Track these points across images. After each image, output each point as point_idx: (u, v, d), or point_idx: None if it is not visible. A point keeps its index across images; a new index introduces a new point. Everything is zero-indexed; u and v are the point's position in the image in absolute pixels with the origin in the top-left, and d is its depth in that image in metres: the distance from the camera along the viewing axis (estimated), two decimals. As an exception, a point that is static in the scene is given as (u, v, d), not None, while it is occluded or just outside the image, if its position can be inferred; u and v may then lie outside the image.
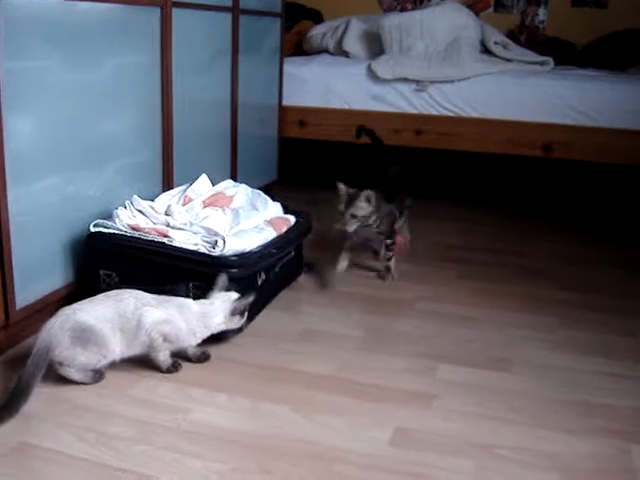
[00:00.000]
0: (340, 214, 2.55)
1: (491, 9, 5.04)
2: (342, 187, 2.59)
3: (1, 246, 1.94)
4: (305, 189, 4.13)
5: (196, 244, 2.16)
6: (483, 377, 2.00)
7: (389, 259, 2.77)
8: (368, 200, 2.55)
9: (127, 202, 2.35)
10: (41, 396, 1.81)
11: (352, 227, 2.55)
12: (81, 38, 2.19)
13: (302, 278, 2.70)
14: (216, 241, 2.14)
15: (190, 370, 1.99)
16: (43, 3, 2.02)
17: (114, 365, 1.95)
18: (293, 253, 2.55)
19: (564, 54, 4.37)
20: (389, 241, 2.75)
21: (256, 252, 2.22)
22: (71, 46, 2.15)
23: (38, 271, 2.12)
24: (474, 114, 3.69)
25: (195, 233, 2.22)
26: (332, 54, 4.34)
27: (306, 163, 4.62)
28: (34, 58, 2.01)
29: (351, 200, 2.55)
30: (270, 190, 2.74)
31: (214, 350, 2.09)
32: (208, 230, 2.22)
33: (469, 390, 1.92)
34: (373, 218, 2.61)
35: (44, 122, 2.08)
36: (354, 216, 2.54)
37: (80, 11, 2.18)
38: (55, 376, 1.89)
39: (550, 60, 3.88)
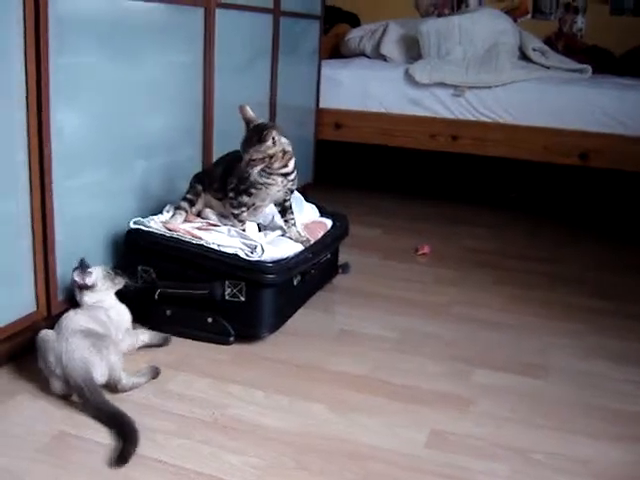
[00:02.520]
0: (242, 151, 2.18)
1: (529, 15, 5.02)
2: (246, 111, 2.22)
3: (45, 238, 1.98)
4: (339, 191, 4.14)
5: (234, 247, 2.18)
6: (517, 382, 2.00)
7: (294, 223, 2.38)
8: (273, 139, 2.14)
9: (169, 205, 2.39)
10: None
11: (255, 170, 2.16)
12: (127, 36, 2.22)
13: (337, 279, 2.70)
14: (255, 246, 2.16)
15: (227, 366, 2.01)
16: (92, 1, 2.05)
17: (155, 360, 1.99)
18: (329, 255, 2.56)
19: (602, 62, 4.34)
20: (289, 203, 2.37)
21: (292, 258, 2.23)
22: (118, 44, 2.18)
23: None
24: (511, 120, 3.68)
25: (232, 237, 2.24)
26: (369, 57, 4.35)
27: (341, 165, 4.64)
28: (82, 55, 2.04)
29: (252, 137, 2.16)
30: (305, 191, 2.75)
31: (251, 348, 2.12)
32: (244, 236, 2.24)
33: (503, 395, 1.93)
34: (292, 165, 2.24)
35: (90, 118, 2.12)
36: (253, 160, 2.15)
37: (127, 9, 2.21)
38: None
39: (588, 68, 3.87)
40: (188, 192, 2.38)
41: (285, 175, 2.24)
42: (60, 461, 1.55)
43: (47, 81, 1.89)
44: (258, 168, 2.17)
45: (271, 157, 2.17)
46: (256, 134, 2.14)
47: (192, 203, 2.36)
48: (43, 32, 1.85)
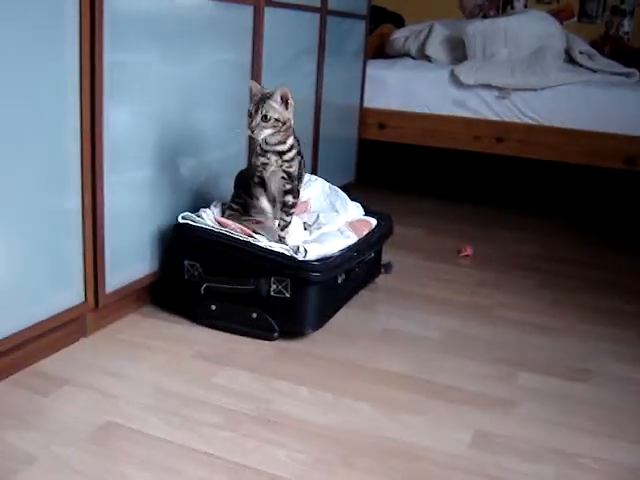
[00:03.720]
0: (249, 116, 2.11)
1: (575, 18, 4.99)
2: (255, 85, 2.16)
3: (95, 232, 2.01)
4: (381, 191, 4.14)
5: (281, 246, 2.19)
6: (562, 386, 1.99)
7: (284, 227, 2.28)
8: (285, 100, 2.11)
9: (216, 201, 2.41)
10: (128, 380, 1.88)
11: (263, 133, 2.10)
12: (178, 34, 2.25)
13: (380, 279, 2.71)
14: (298, 247, 2.17)
15: (270, 362, 2.03)
16: (145, -2, 2.08)
17: (199, 354, 2.01)
18: (373, 254, 2.56)
19: (649, 66, 4.30)
20: (291, 199, 2.26)
21: (337, 256, 2.24)
22: (169, 41, 2.21)
23: (127, 258, 2.18)
24: (556, 123, 3.66)
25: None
26: (414, 58, 4.34)
27: (383, 165, 4.64)
28: (134, 52, 2.07)
29: (264, 98, 2.09)
30: (348, 190, 2.75)
31: (295, 344, 2.14)
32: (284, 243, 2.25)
33: (549, 398, 1.92)
34: (289, 143, 2.18)
35: (140, 114, 2.15)
36: (266, 118, 2.08)
37: (178, 7, 2.23)
38: (141, 361, 1.96)
39: (636, 72, 3.82)
40: (236, 194, 2.38)
41: (280, 154, 2.18)
42: (108, 450, 1.57)
43: (101, 77, 1.92)
44: (267, 132, 2.10)
45: (283, 123, 2.11)
46: (269, 94, 2.09)
47: (241, 205, 2.36)
48: (98, 29, 1.87)
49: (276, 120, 2.09)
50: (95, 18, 1.86)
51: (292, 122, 2.16)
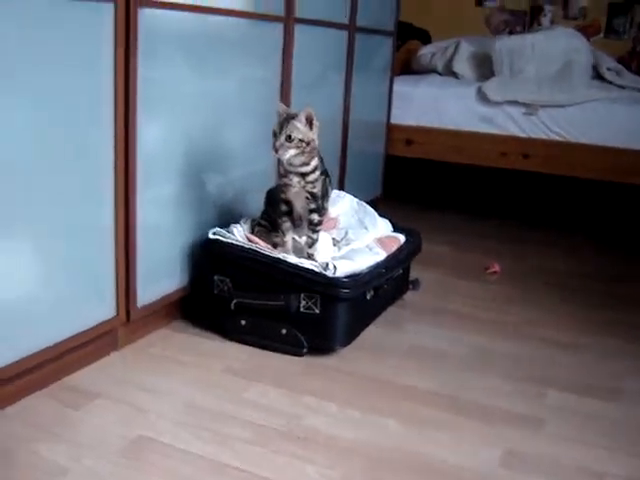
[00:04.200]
0: (274, 136, 2.12)
1: (601, 34, 4.98)
2: (282, 106, 2.18)
3: (127, 247, 2.03)
4: (408, 206, 4.15)
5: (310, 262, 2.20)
6: (592, 405, 1.98)
7: (312, 245, 2.30)
8: (309, 121, 2.12)
9: (245, 217, 2.42)
10: (159, 394, 1.90)
11: (287, 154, 2.10)
12: (210, 50, 2.28)
13: (407, 295, 2.71)
14: (327, 264, 2.18)
15: (299, 377, 2.04)
16: (178, 15, 2.11)
17: (229, 369, 2.03)
18: (401, 270, 2.57)
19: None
20: (317, 217, 2.28)
21: (367, 273, 2.24)
22: (200, 57, 2.24)
23: (158, 272, 2.20)
24: (583, 140, 3.65)
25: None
26: (441, 74, 4.36)
27: (409, 181, 4.65)
28: (167, 68, 2.09)
29: (288, 119, 2.11)
30: (375, 206, 2.76)
31: (324, 360, 2.15)
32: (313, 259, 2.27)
33: (578, 417, 1.91)
34: (313, 164, 2.18)
35: (171, 129, 2.17)
36: (290, 138, 2.08)
37: (210, 24, 2.26)
38: (172, 375, 1.98)
39: (663, 89, 3.81)
40: (265, 211, 2.40)
41: (303, 175, 2.18)
42: (139, 464, 1.59)
43: (135, 93, 1.95)
44: (291, 152, 2.11)
45: (307, 144, 2.12)
46: (294, 115, 2.11)
47: (270, 222, 2.37)
48: (133, 45, 1.91)
49: (300, 140, 2.10)
50: (129, 36, 1.89)
51: (317, 143, 2.17)
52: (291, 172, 2.18)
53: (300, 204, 2.25)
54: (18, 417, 1.74)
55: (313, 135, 2.14)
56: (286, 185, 2.21)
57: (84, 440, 1.66)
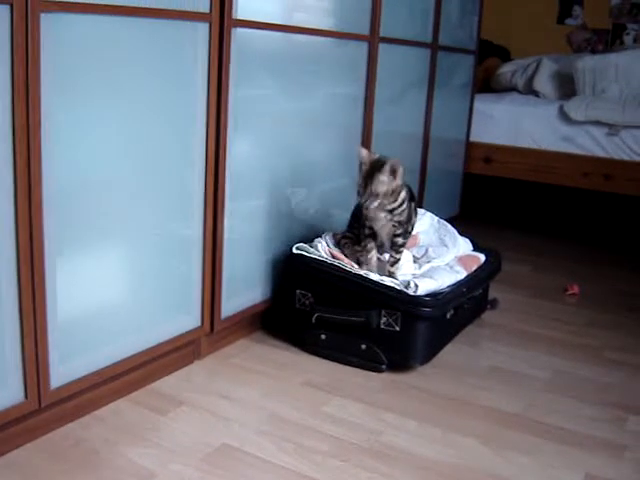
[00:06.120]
0: (359, 187, 2.16)
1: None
2: (364, 152, 2.17)
3: (214, 259, 2.08)
4: (486, 225, 4.14)
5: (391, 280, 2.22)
6: (675, 433, 1.95)
7: (394, 263, 2.33)
8: (393, 172, 2.13)
9: (327, 232, 2.45)
10: (241, 404, 1.94)
11: (375, 204, 2.13)
12: (298, 69, 2.33)
13: (486, 315, 2.70)
14: (409, 282, 2.19)
15: (379, 394, 2.06)
16: (268, 35, 2.16)
17: (309, 382, 2.06)
18: (481, 290, 2.57)
19: None
20: (401, 240, 2.30)
21: (448, 292, 2.25)
22: (287, 75, 2.29)
23: (242, 285, 2.25)
24: (667, 162, 3.59)
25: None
26: (521, 92, 4.33)
27: (487, 200, 4.63)
28: (256, 87, 2.15)
29: (373, 171, 2.12)
30: (452, 224, 2.76)
31: (403, 377, 2.16)
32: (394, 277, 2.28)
33: (661, 444, 1.89)
34: (400, 199, 2.20)
35: (258, 145, 2.23)
36: (375, 194, 2.12)
37: (297, 43, 2.31)
38: (253, 385, 2.01)
39: None
40: (350, 223, 2.43)
41: (391, 211, 2.21)
42: (223, 472, 1.62)
43: (226, 111, 2.01)
44: (378, 202, 2.14)
45: (393, 192, 2.16)
46: (379, 167, 2.12)
47: (356, 235, 2.38)
48: (225, 65, 1.97)
49: (384, 193, 2.14)
50: (222, 56, 1.95)
51: (402, 183, 2.18)
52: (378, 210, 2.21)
53: (385, 232, 2.28)
54: (107, 420, 1.81)
55: (398, 181, 2.15)
56: (372, 219, 2.24)
57: (170, 445, 1.71)
